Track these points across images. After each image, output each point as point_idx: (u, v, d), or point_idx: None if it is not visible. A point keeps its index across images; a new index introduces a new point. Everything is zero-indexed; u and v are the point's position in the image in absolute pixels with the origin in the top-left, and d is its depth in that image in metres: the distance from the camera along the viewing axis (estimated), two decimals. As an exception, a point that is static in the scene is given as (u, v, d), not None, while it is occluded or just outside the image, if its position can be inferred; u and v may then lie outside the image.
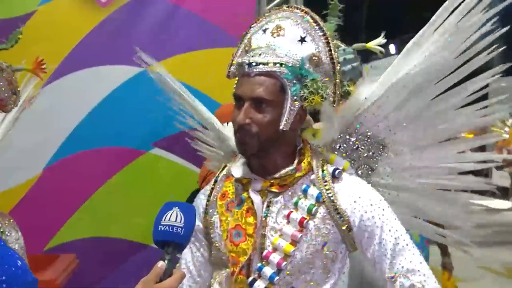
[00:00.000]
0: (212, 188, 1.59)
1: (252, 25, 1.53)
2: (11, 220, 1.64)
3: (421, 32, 1.60)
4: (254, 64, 1.42)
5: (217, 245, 1.54)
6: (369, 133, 1.66)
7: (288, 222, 1.47)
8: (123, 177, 3.15)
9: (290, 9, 1.50)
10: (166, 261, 1.15)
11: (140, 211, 3.12)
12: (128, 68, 3.13)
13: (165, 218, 1.18)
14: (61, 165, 3.11)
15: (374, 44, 1.62)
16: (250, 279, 1.47)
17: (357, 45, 1.65)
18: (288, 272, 1.46)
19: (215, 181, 1.61)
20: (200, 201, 1.60)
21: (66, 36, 3.08)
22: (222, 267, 1.54)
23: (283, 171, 1.48)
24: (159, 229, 1.17)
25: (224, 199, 1.54)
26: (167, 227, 1.16)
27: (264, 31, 1.48)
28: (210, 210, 1.57)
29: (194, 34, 3.19)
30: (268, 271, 1.45)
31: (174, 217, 1.17)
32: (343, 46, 1.55)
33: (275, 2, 3.45)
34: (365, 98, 1.63)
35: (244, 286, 1.48)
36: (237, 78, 1.50)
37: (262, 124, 1.42)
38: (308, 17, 1.47)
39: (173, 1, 3.21)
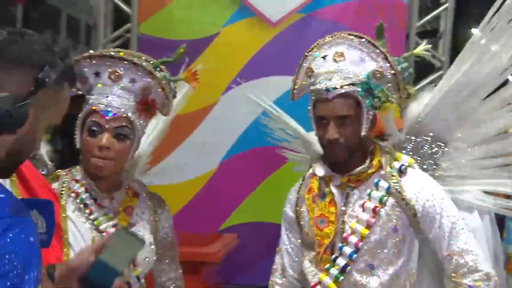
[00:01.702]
0: (301, 185, 1.89)
1: (308, 53, 1.81)
2: (163, 202, 1.91)
3: (471, 40, 1.85)
4: (331, 89, 1.70)
5: (306, 230, 1.85)
6: (431, 134, 1.96)
7: (363, 210, 1.77)
8: (283, 172, 3.59)
9: (343, 35, 1.76)
10: None
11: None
12: (292, 78, 3.63)
13: None
14: (233, 161, 3.67)
15: (420, 50, 1.94)
16: (333, 256, 1.78)
17: (407, 54, 1.98)
18: (364, 252, 1.76)
19: (303, 179, 1.91)
20: (292, 195, 1.92)
21: (241, 52, 3.66)
22: (311, 248, 1.85)
23: (357, 169, 1.77)
24: None
25: (310, 193, 1.84)
26: None
27: (324, 57, 1.75)
28: (300, 203, 1.87)
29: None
30: (347, 250, 1.75)
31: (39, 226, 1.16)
32: (395, 57, 1.81)
33: (426, 19, 3.69)
34: (426, 104, 1.93)
35: (328, 263, 1.78)
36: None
37: (348, 136, 1.72)
38: (363, 40, 1.74)
39: (334, 19, 3.62)
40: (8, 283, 0.93)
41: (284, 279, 1.96)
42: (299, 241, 1.91)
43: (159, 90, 1.72)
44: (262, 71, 3.65)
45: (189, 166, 3.64)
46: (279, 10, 3.66)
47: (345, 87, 1.71)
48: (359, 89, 1.72)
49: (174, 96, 1.82)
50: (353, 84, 1.70)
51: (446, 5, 3.67)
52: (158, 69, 1.75)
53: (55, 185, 1.71)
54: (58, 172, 1.77)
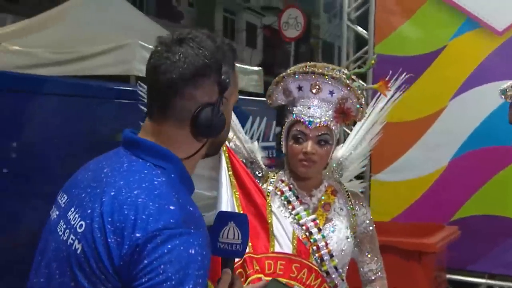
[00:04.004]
0: None
1: None
2: (361, 198, 1.99)
3: None
4: None
5: None
6: None
7: None
8: (510, 170, 3.87)
9: None
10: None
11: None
12: (517, 81, 3.87)
13: (223, 235, 1.20)
14: (463, 158, 4.05)
15: None
16: None
17: None
18: None
19: None
20: None
21: (468, 61, 4.05)
22: None
23: None
24: (218, 246, 1.21)
25: None
26: (226, 245, 1.20)
27: None
28: None
29: None
30: None
31: (231, 234, 1.21)
32: None
33: None
34: None
35: None
36: None
37: None
38: None
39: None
40: None
41: None
42: None
43: (354, 99, 1.84)
44: (488, 78, 3.97)
45: (422, 164, 4.15)
46: (505, 19, 3.95)
47: None
48: None
49: (367, 104, 1.91)
50: None
51: None
52: (351, 79, 1.85)
53: (265, 185, 1.90)
54: (268, 174, 1.96)
